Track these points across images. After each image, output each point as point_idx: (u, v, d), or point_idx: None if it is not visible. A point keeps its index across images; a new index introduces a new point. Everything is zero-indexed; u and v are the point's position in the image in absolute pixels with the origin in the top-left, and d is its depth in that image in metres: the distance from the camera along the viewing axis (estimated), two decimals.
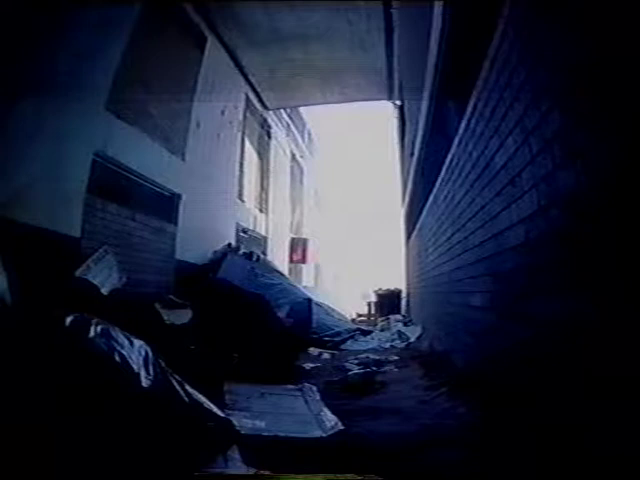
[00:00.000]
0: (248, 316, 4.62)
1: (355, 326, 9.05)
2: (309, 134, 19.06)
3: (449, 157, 4.29)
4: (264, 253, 11.32)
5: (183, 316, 4.63)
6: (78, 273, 4.88)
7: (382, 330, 9.25)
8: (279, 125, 14.54)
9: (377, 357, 5.81)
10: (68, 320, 1.96)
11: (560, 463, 1.72)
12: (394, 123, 13.83)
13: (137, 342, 2.13)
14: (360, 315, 13.75)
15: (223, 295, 5.45)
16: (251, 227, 11.69)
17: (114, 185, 6.00)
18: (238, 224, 10.70)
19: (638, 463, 1.27)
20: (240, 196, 11.00)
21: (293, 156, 16.71)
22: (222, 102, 9.69)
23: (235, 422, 2.39)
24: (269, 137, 13.54)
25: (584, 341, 1.60)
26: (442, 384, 3.76)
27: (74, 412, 1.73)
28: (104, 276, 5.30)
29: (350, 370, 4.68)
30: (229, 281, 7.08)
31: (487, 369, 2.97)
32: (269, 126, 13.47)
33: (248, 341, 4.24)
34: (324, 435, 2.68)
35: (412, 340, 7.18)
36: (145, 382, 1.97)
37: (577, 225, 1.63)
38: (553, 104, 1.80)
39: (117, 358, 1.96)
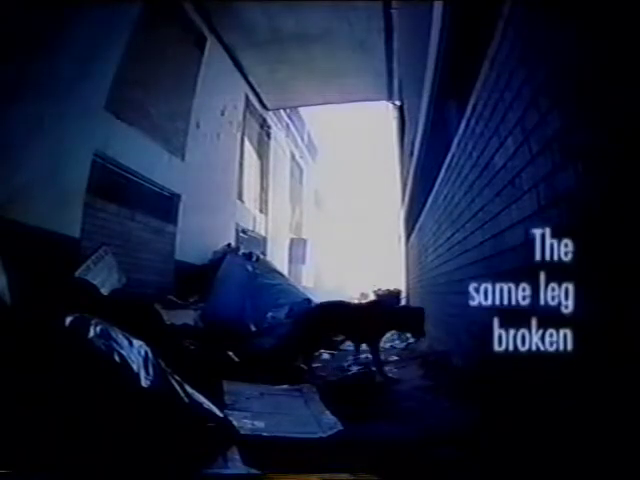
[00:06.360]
0: None
1: None
2: (309, 134, 19.05)
3: (449, 157, 4.28)
4: (264, 253, 11.31)
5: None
6: (78, 273, 4.88)
7: None
8: (279, 125, 14.53)
9: None
10: (68, 320, 1.96)
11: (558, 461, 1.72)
12: (394, 123, 13.82)
13: (137, 342, 2.12)
14: None
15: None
16: (251, 227, 11.69)
17: (114, 185, 6.00)
18: (238, 224, 10.70)
19: None
20: (240, 196, 11.00)
21: (293, 156, 16.71)
22: (222, 102, 9.70)
23: (235, 422, 2.39)
24: (269, 137, 13.54)
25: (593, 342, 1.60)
26: (442, 384, 3.76)
27: (74, 412, 1.73)
28: (104, 276, 5.31)
29: (350, 370, 4.68)
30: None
31: (486, 369, 2.97)
32: (269, 126, 13.46)
33: None
34: (324, 435, 2.67)
35: (412, 340, 7.16)
36: (145, 382, 1.97)
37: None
38: (552, 104, 1.80)
39: (117, 358, 1.95)
